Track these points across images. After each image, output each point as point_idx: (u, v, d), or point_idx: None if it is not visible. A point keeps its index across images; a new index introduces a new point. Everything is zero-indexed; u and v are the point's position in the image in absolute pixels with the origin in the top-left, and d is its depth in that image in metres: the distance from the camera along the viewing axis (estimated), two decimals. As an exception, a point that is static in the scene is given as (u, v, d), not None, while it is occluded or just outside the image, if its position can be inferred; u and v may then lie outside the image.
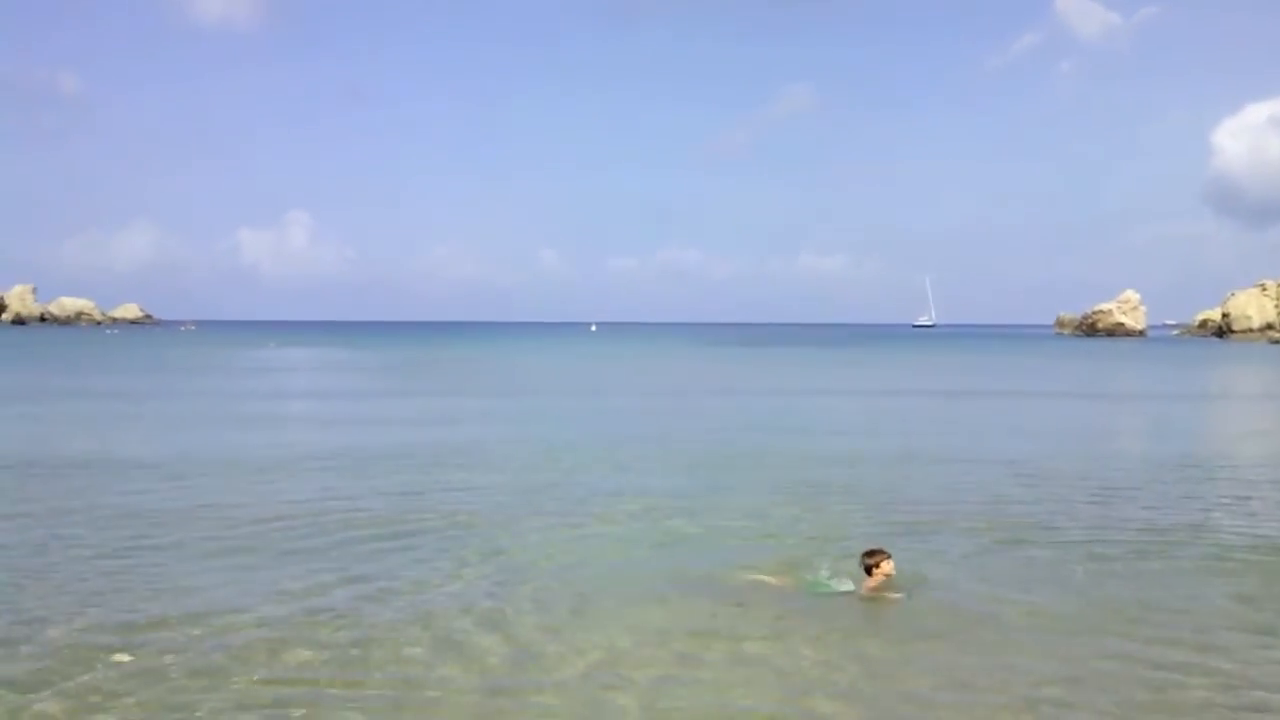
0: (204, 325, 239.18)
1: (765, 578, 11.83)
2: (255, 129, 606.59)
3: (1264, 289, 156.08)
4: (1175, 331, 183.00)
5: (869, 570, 11.54)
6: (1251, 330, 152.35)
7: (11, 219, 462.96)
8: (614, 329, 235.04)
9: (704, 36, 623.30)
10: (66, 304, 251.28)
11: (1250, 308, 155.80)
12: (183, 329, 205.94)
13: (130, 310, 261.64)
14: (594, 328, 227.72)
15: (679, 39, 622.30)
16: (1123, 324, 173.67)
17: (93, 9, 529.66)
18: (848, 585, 11.56)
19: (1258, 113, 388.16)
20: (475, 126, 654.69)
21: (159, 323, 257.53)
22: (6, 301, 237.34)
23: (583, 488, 17.10)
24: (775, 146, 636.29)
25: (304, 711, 7.45)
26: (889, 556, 11.64)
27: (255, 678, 8.06)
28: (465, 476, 18.23)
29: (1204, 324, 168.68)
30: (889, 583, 11.47)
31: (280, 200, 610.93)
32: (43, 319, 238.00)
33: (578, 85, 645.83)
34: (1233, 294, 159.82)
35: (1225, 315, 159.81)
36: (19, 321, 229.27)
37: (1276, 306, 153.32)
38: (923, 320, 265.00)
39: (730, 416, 30.76)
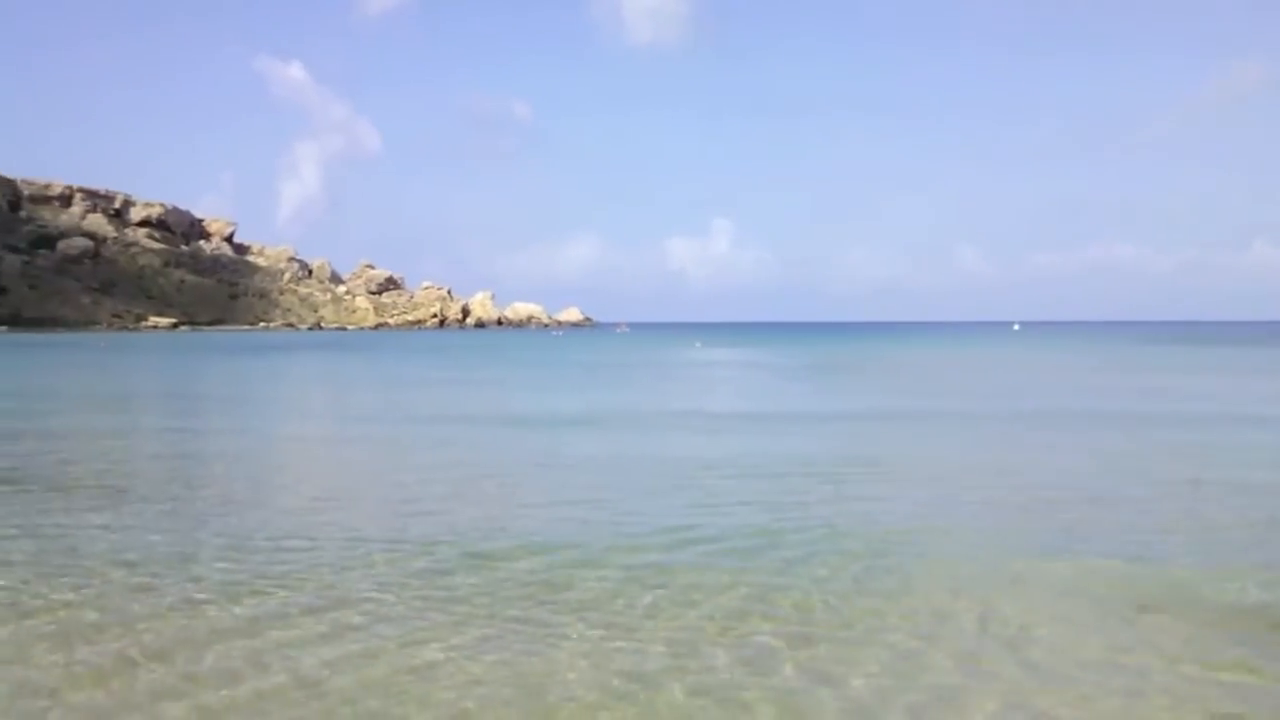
0: (635, 327, 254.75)
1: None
2: (683, 142, 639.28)
3: None
4: None
5: None
6: None
7: (476, 234, 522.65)
8: (1038, 329, 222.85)
9: (1136, 8, 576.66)
10: (519, 309, 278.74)
11: None
12: (617, 330, 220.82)
13: (573, 314, 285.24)
14: (1016, 327, 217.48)
15: (1104, 14, 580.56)
16: None
17: (540, 41, 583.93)
18: None
19: None
20: (891, 128, 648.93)
21: (596, 325, 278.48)
22: (470, 307, 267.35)
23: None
24: (1218, 130, 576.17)
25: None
26: None
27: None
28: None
29: None
30: None
31: (706, 209, 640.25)
32: (499, 322, 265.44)
33: (993, 73, 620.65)
34: None
35: None
36: (480, 325, 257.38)
37: None
38: None
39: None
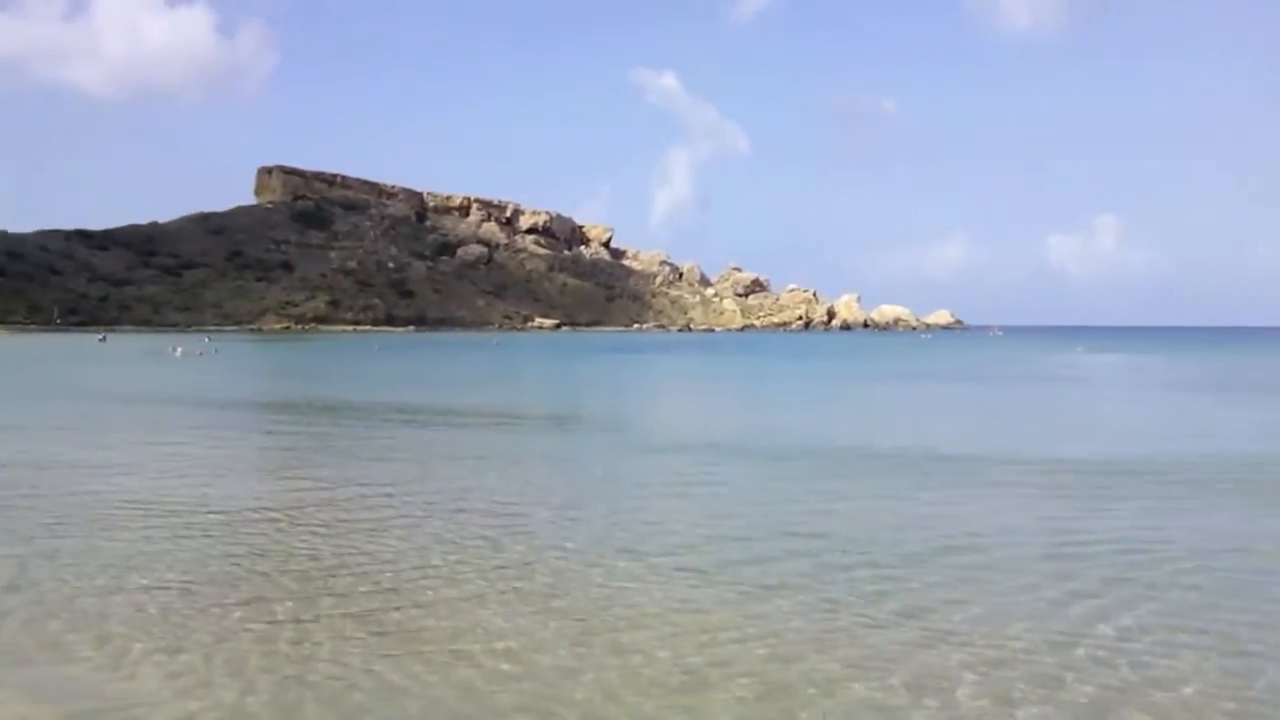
0: (1007, 330, 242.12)
1: None
2: (1061, 134, 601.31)
3: None
4: None
5: None
6: None
7: (841, 235, 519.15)
8: None
9: None
10: (886, 311, 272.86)
11: None
12: (989, 333, 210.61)
13: (942, 316, 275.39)
14: None
15: None
16: None
17: (909, 35, 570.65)
18: None
19: None
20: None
21: (967, 328, 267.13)
22: (835, 310, 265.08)
23: None
24: None
25: None
26: None
27: None
28: None
29: None
30: None
31: (1088, 204, 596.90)
32: (865, 325, 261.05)
33: None
34: None
35: None
36: (845, 327, 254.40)
37: None
38: None
39: None
